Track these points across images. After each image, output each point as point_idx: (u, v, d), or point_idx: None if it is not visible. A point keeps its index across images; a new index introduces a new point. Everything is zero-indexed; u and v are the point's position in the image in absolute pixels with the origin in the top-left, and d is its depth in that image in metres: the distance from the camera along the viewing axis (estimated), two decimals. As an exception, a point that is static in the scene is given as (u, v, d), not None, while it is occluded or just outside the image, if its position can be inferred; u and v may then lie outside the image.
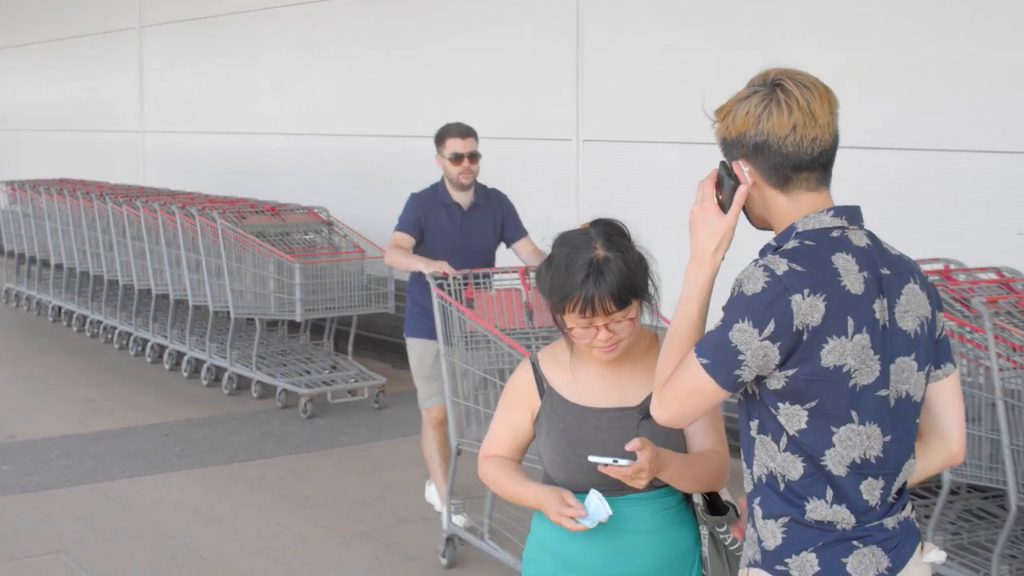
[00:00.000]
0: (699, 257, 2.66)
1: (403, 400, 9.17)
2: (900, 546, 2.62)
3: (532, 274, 5.67)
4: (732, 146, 2.64)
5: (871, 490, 2.59)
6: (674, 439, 3.14)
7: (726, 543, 3.18)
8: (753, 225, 2.71)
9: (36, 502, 6.91)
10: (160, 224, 10.11)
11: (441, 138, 6.42)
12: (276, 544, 6.24)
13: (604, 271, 3.02)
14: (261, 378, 9.11)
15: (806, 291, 2.48)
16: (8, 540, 6.31)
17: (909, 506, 2.71)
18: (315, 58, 11.75)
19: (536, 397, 3.23)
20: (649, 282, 3.13)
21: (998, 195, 6.43)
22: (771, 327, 2.48)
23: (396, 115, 10.77)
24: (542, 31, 9.22)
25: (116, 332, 11.17)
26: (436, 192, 6.47)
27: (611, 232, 3.12)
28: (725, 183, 2.65)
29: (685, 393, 2.60)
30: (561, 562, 3.16)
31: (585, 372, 3.20)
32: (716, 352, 2.53)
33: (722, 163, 2.67)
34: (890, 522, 2.62)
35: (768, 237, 2.65)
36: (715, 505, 3.20)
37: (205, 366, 9.67)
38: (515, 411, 3.27)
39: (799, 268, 2.50)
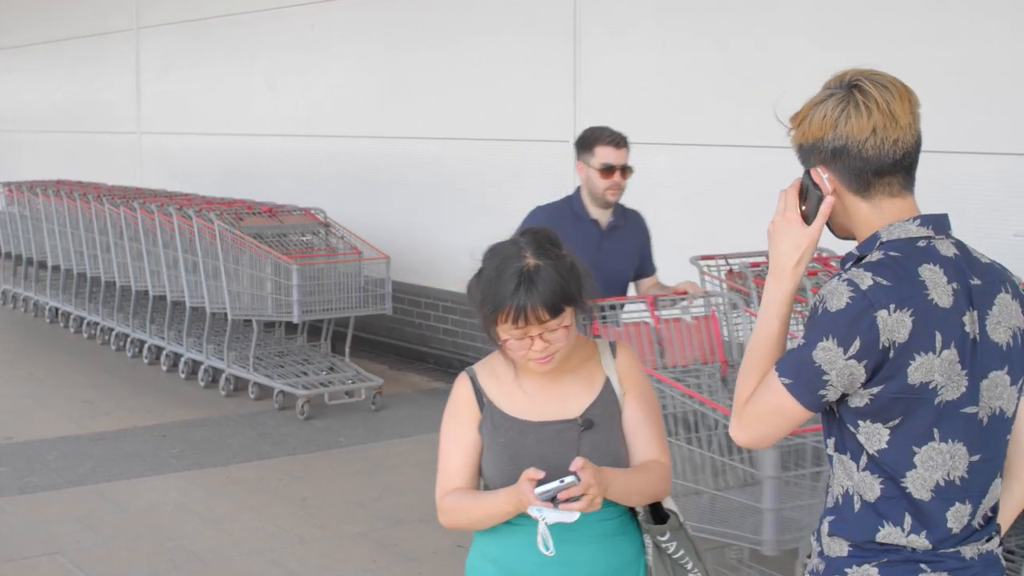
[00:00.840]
0: (780, 270, 2.53)
1: (400, 401, 9.17)
2: None
3: (659, 304, 5.30)
4: (809, 152, 2.51)
5: (959, 516, 2.45)
6: (616, 450, 3.12)
7: (669, 551, 3.14)
8: (835, 235, 2.59)
9: (34, 503, 6.89)
10: (157, 226, 10.10)
11: (589, 143, 5.56)
12: (274, 545, 6.23)
13: (535, 279, 2.96)
14: (259, 379, 9.10)
15: (892, 306, 2.36)
16: (6, 541, 6.30)
17: (996, 539, 2.53)
18: (312, 59, 11.74)
19: (477, 409, 3.16)
20: (583, 290, 3.06)
21: (998, 197, 6.43)
22: (857, 345, 2.36)
23: (393, 116, 10.77)
24: (540, 32, 9.22)
25: (113, 334, 11.16)
26: (570, 205, 5.64)
27: (540, 241, 3.06)
28: (810, 193, 2.52)
29: (767, 413, 2.49)
30: (503, 571, 3.12)
31: (524, 384, 3.15)
32: (799, 372, 2.42)
33: (806, 172, 2.54)
34: (968, 551, 2.46)
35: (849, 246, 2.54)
36: (658, 513, 3.17)
37: (203, 368, 9.66)
38: (462, 427, 3.17)
39: (884, 282, 2.38)
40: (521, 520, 3.02)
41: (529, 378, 3.14)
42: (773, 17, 7.51)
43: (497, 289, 2.98)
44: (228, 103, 13.09)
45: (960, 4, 6.60)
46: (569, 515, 2.88)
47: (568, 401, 3.14)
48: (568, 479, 2.84)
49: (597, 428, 3.11)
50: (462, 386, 3.21)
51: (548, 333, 3.00)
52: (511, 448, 3.09)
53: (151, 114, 14.57)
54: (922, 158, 2.51)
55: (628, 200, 5.81)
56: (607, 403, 3.16)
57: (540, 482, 2.91)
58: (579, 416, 3.12)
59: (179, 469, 7.53)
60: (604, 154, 5.49)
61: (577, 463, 2.88)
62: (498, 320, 3.00)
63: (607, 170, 5.49)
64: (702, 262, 6.08)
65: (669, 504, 3.19)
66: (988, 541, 2.50)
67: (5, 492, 7.08)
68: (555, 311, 2.98)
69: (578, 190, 5.65)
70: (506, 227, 8.69)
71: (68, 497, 7.00)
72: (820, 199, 2.51)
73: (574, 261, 3.07)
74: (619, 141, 5.55)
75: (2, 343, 11.74)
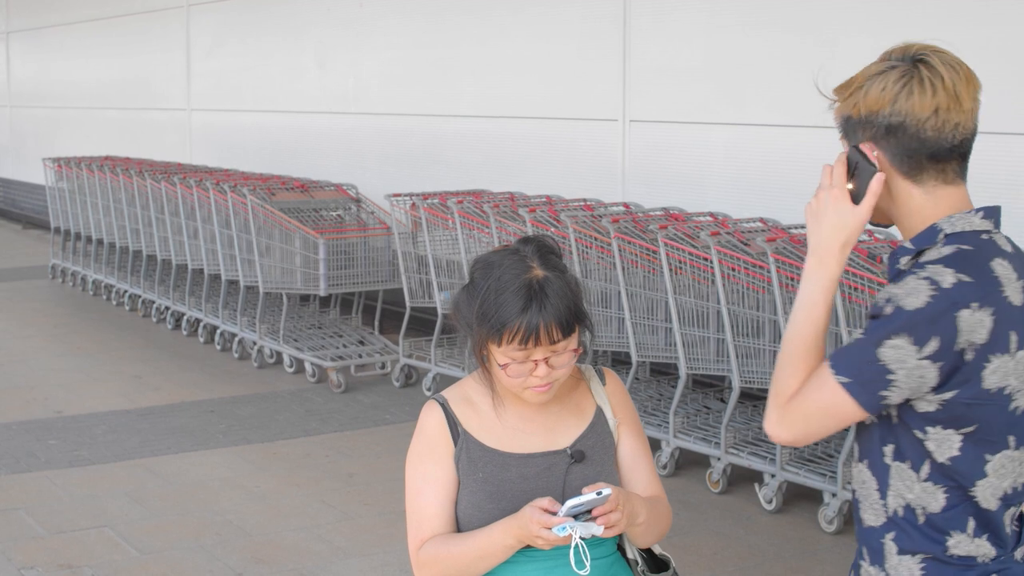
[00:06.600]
0: (824, 252, 2.34)
1: (446, 382, 9.18)
2: None
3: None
4: (858, 126, 2.34)
5: (1011, 520, 2.37)
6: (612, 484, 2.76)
7: None
8: (870, 221, 2.40)
9: (83, 477, 6.96)
10: (195, 200, 10.23)
11: None
12: (320, 521, 6.26)
13: (548, 292, 2.64)
14: (289, 351, 9.19)
15: (975, 305, 2.20)
16: (55, 514, 6.36)
17: None
18: (361, 37, 11.74)
19: (451, 441, 2.81)
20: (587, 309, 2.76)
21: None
22: (933, 345, 2.19)
23: (441, 94, 10.75)
24: (589, 9, 9.17)
25: (154, 307, 11.27)
26: None
27: (545, 251, 2.75)
28: (860, 169, 2.31)
29: (816, 412, 2.29)
30: None
31: (504, 413, 2.82)
32: (860, 370, 2.23)
33: (854, 147, 2.35)
34: (1020, 553, 2.38)
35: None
36: (653, 559, 2.91)
37: (236, 339, 9.83)
38: (436, 464, 2.80)
39: (967, 279, 2.22)
40: (519, 559, 2.73)
41: (511, 406, 2.82)
42: (825, -4, 7.45)
43: (502, 304, 2.65)
44: (277, 81, 13.12)
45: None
46: (598, 528, 2.60)
47: (556, 431, 2.83)
48: (605, 491, 2.59)
49: (589, 461, 2.80)
50: (432, 416, 2.84)
51: (554, 357, 2.68)
52: (491, 484, 2.76)
53: (200, 91, 14.63)
54: (986, 140, 2.39)
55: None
56: (599, 434, 2.86)
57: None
58: (569, 447, 2.81)
59: (226, 444, 7.58)
60: None
61: (598, 486, 2.62)
62: (503, 340, 2.66)
63: None
64: (392, 197, 8.73)
65: (658, 549, 2.93)
66: None
67: (55, 465, 7.15)
68: (568, 330, 2.67)
69: None
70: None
71: (117, 471, 7.06)
72: (872, 175, 2.32)
73: (575, 276, 2.78)
74: None
75: (52, 317, 11.84)
